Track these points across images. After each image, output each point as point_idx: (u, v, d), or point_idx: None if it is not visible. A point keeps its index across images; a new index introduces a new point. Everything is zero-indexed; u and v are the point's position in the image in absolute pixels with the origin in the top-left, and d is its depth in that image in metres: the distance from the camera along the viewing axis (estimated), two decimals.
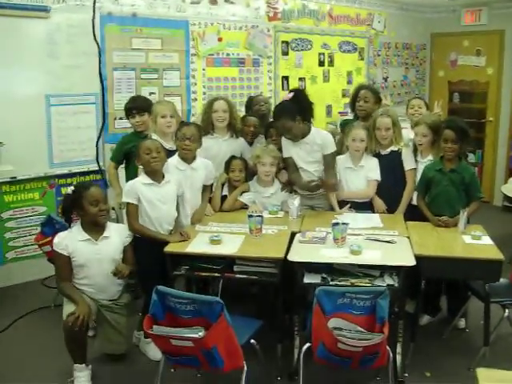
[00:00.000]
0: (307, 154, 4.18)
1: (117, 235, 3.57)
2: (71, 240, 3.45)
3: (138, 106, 4.43)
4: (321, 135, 4.19)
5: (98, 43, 4.71)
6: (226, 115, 4.37)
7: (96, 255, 3.46)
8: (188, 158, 3.95)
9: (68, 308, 3.34)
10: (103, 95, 5.10)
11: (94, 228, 3.50)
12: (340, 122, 5.06)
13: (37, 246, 4.48)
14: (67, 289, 3.41)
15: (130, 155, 4.21)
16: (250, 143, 4.58)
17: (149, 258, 3.60)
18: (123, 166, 4.48)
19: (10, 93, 4.63)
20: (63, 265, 3.45)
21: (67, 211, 3.61)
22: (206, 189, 4.13)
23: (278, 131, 4.26)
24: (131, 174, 4.08)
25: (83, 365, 3.39)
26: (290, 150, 4.20)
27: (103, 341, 3.62)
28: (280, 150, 4.25)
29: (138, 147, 3.69)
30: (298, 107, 4.08)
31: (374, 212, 4.20)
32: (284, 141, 4.23)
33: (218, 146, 4.40)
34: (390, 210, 4.20)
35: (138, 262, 3.63)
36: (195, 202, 4.02)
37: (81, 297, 3.37)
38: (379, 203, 4.23)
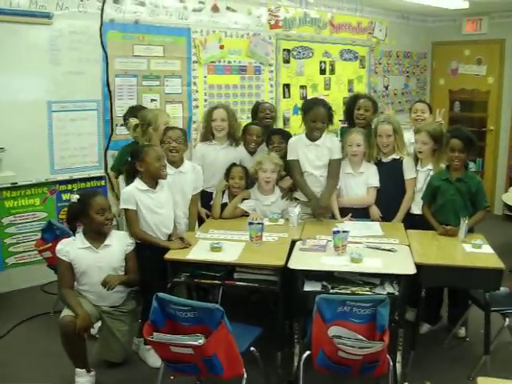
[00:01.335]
0: (316, 157, 4.19)
1: (118, 243, 3.56)
2: (72, 247, 3.45)
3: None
4: (331, 139, 4.26)
5: (105, 50, 4.75)
6: (225, 124, 4.38)
7: (97, 263, 3.45)
8: (176, 161, 3.96)
9: (66, 311, 3.34)
10: (110, 101, 5.11)
11: (96, 236, 3.50)
12: (340, 130, 5.05)
13: (37, 252, 4.48)
14: (68, 297, 3.39)
15: None
16: (253, 152, 4.56)
17: (150, 265, 3.60)
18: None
19: (11, 99, 4.63)
20: (65, 271, 3.45)
21: (73, 220, 3.59)
22: (193, 201, 4.09)
23: (317, 117, 4.11)
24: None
25: (84, 370, 3.38)
26: (298, 151, 4.19)
27: (102, 347, 3.61)
28: (282, 157, 4.26)
29: (145, 152, 3.65)
30: None
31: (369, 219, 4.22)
32: (294, 142, 4.23)
33: (215, 154, 4.42)
34: (388, 217, 4.19)
35: (139, 268, 3.62)
36: (186, 206, 4.02)
37: (81, 307, 3.34)
38: (375, 211, 4.24)
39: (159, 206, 3.71)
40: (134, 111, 4.55)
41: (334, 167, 4.21)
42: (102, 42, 4.75)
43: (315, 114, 4.12)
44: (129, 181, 3.77)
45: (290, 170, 4.29)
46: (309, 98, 4.62)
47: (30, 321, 4.35)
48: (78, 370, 3.38)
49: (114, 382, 3.56)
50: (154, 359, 3.56)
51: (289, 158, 4.24)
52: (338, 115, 5.13)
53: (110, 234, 3.56)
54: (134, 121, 4.38)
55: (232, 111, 4.53)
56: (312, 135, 4.18)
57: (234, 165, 4.34)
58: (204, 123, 4.49)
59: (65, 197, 5.06)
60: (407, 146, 4.36)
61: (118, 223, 4.63)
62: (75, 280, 3.49)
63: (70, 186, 5.11)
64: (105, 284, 3.38)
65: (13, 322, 4.27)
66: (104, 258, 3.48)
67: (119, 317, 3.55)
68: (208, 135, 4.42)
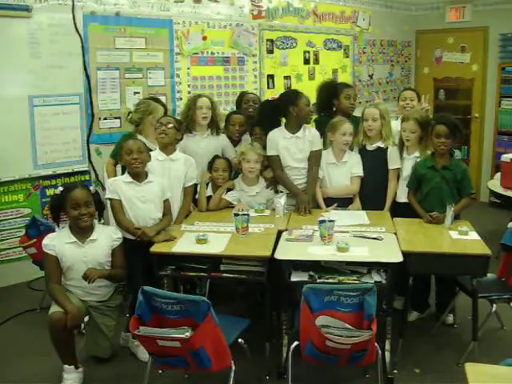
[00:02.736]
0: (298, 150, 4.20)
1: (104, 238, 3.53)
2: (58, 241, 3.42)
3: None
4: (310, 131, 4.27)
5: (81, 38, 4.69)
6: (210, 113, 4.38)
7: (83, 258, 3.42)
8: (165, 145, 3.96)
9: (55, 307, 3.30)
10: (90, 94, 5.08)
11: (81, 230, 3.47)
12: (315, 119, 5.01)
13: (22, 249, 4.43)
14: (56, 293, 3.35)
15: None
16: (237, 141, 4.56)
17: (135, 259, 3.58)
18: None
19: None
20: (52, 266, 3.41)
21: (53, 211, 3.58)
22: (186, 193, 4.06)
23: (308, 100, 4.27)
24: None
25: (72, 367, 3.35)
26: (278, 146, 4.18)
27: (89, 343, 3.59)
28: (264, 148, 4.24)
29: (121, 146, 3.68)
30: None
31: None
32: (273, 136, 4.20)
33: (196, 144, 4.40)
34: (372, 205, 4.17)
35: (126, 262, 3.60)
36: (174, 194, 3.95)
37: (71, 303, 3.30)
38: (356, 205, 4.24)
39: (142, 199, 3.68)
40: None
41: (314, 159, 4.23)
42: (77, 32, 4.77)
43: (306, 99, 4.19)
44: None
45: (270, 164, 4.27)
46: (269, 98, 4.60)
47: (17, 318, 4.31)
48: (66, 366, 3.35)
49: (102, 378, 3.52)
50: (144, 353, 3.52)
51: (269, 153, 4.22)
52: None
53: (96, 229, 3.52)
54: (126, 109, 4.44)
55: (214, 101, 4.54)
56: (306, 120, 4.24)
57: (216, 157, 4.32)
58: (188, 112, 4.42)
59: (49, 192, 5.00)
60: (394, 134, 4.34)
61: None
62: (62, 275, 3.46)
63: (53, 182, 5.05)
64: (85, 277, 3.35)
65: None
66: (90, 253, 3.45)
67: (106, 312, 3.53)
68: (191, 124, 4.39)
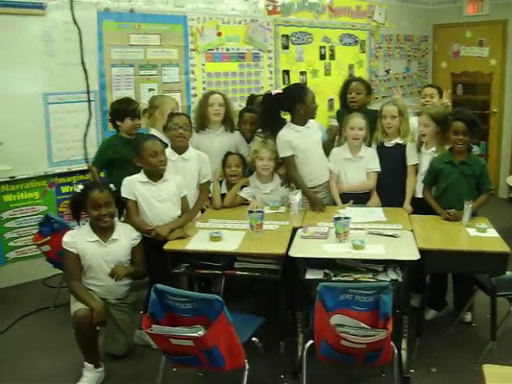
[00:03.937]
0: (314, 136, 4.17)
1: (125, 237, 3.53)
2: (80, 239, 3.43)
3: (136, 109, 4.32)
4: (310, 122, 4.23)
5: (78, 26, 4.68)
6: (223, 109, 4.34)
7: (104, 257, 3.43)
8: (181, 147, 3.93)
9: (77, 305, 3.30)
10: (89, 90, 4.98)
11: (103, 229, 3.46)
12: (336, 113, 4.95)
13: (36, 246, 4.44)
14: (79, 290, 3.36)
15: (114, 161, 4.21)
16: (249, 139, 4.51)
17: (153, 256, 3.56)
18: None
19: (7, 92, 4.58)
20: (72, 263, 3.41)
21: (73, 209, 3.57)
22: (202, 189, 4.05)
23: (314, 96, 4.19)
24: (117, 181, 3.78)
25: (91, 365, 3.35)
26: (292, 144, 4.05)
27: (107, 340, 3.60)
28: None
29: (141, 148, 3.63)
30: None
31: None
32: (285, 136, 4.07)
33: (210, 141, 4.37)
34: (389, 202, 4.12)
35: (146, 261, 3.61)
36: (188, 194, 3.90)
37: (95, 300, 3.31)
38: (375, 200, 4.19)
39: (159, 198, 3.66)
40: (132, 103, 4.53)
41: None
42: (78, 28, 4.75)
43: (312, 93, 4.12)
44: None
45: (285, 165, 4.18)
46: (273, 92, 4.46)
47: (32, 315, 4.31)
48: (87, 364, 3.35)
49: (117, 375, 3.51)
50: None
51: (283, 154, 4.09)
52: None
53: (117, 228, 3.52)
54: (143, 105, 4.49)
55: (228, 97, 4.51)
56: (312, 116, 4.17)
57: (229, 153, 4.29)
58: (200, 109, 4.40)
59: (64, 189, 5.03)
60: (414, 131, 4.27)
61: None
62: (82, 273, 3.46)
63: (69, 179, 5.07)
64: (113, 275, 3.37)
65: (14, 317, 4.24)
66: (111, 253, 3.45)
67: (124, 308, 3.55)
68: (204, 121, 4.36)
